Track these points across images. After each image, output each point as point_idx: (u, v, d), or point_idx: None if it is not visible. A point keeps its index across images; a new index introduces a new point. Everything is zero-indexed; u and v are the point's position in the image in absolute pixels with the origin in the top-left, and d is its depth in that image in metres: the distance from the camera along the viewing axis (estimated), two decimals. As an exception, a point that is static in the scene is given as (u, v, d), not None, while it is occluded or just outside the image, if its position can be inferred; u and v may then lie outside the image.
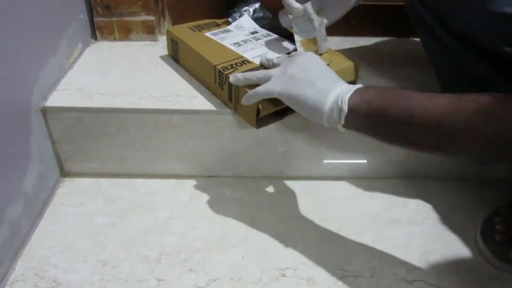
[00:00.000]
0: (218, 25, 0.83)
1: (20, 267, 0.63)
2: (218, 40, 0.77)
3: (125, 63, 0.84)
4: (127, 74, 0.80)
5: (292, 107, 0.58)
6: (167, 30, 0.82)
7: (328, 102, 0.53)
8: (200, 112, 0.71)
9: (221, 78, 0.69)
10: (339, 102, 0.52)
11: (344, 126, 0.53)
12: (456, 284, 0.62)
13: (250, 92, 0.61)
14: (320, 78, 0.55)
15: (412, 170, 0.80)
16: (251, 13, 0.83)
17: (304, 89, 0.55)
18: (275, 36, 0.79)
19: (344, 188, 0.79)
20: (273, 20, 0.82)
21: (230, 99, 0.69)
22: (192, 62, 0.78)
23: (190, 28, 0.82)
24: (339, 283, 0.62)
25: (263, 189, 0.78)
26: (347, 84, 0.55)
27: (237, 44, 0.75)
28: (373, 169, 0.80)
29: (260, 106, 0.63)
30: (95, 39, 0.93)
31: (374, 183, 0.80)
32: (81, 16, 0.88)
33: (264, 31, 0.81)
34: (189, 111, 0.71)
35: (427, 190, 0.79)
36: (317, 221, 0.72)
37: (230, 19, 0.83)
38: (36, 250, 0.65)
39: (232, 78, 0.64)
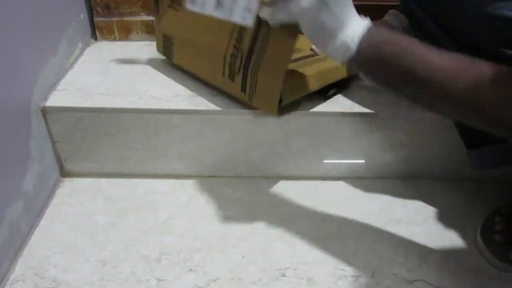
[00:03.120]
0: None
1: (20, 267, 0.63)
2: (202, 11, 0.65)
3: (125, 63, 0.84)
4: (127, 74, 0.80)
5: (304, 30, 0.55)
6: (158, 22, 0.78)
7: (340, 35, 0.51)
8: (200, 112, 0.71)
9: (233, 68, 0.67)
10: (349, 41, 0.51)
11: (348, 62, 0.52)
12: (456, 284, 0.62)
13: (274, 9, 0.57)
14: (338, 3, 0.53)
15: (412, 170, 0.80)
16: None
17: (319, 13, 0.52)
18: None
19: (344, 188, 0.79)
20: None
21: (243, 90, 0.68)
22: (190, 57, 0.75)
23: (171, 8, 0.74)
24: (339, 283, 0.62)
25: (263, 189, 0.78)
26: (359, 19, 0.53)
27: (218, 5, 0.64)
28: (373, 169, 0.80)
29: (282, 95, 0.64)
30: (95, 39, 0.93)
31: (374, 183, 0.80)
32: (81, 16, 0.88)
33: None
34: (189, 111, 0.71)
35: (427, 190, 0.79)
36: (317, 221, 0.72)
37: None
38: (36, 250, 0.65)
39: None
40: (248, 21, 0.63)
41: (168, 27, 0.76)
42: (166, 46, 0.78)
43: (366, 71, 0.54)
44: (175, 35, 0.75)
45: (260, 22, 0.63)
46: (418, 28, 0.62)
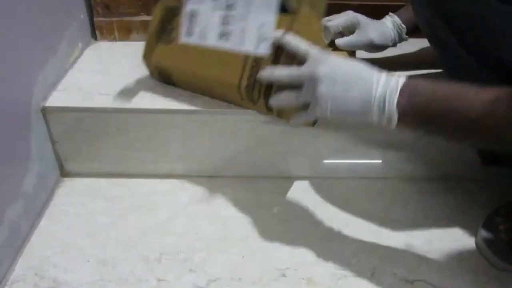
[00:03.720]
0: (177, 15, 0.69)
1: (20, 267, 0.63)
2: (202, 43, 0.66)
3: (125, 63, 0.84)
4: (127, 74, 0.80)
5: (341, 121, 0.58)
6: (146, 58, 0.72)
7: (374, 111, 0.51)
8: (200, 112, 0.71)
9: (249, 95, 0.65)
10: (387, 110, 0.50)
11: (398, 128, 0.52)
12: (456, 284, 0.62)
13: (296, 116, 0.61)
14: (352, 85, 0.52)
15: (412, 170, 0.80)
16: None
17: (342, 106, 0.53)
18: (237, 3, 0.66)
19: (344, 188, 0.79)
20: None
21: (270, 110, 0.66)
22: (196, 87, 0.72)
23: (161, 43, 0.71)
24: (339, 283, 0.62)
25: (263, 189, 0.78)
26: (385, 81, 0.51)
27: (224, 35, 0.65)
28: (373, 169, 0.80)
29: None
30: (95, 39, 0.93)
31: (374, 183, 0.80)
32: (81, 16, 0.88)
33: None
34: (189, 111, 0.71)
35: (427, 190, 0.79)
36: (317, 221, 0.72)
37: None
38: (36, 250, 0.65)
39: (275, 104, 0.62)
40: (263, 50, 0.63)
41: (161, 60, 0.71)
42: (164, 76, 0.74)
43: (416, 130, 0.54)
44: (172, 67, 0.71)
45: (277, 48, 0.61)
46: (439, 46, 0.61)
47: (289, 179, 0.80)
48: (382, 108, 0.51)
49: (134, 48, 0.90)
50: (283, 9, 0.64)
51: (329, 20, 0.74)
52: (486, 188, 0.79)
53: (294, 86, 0.57)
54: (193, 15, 0.67)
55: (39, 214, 0.71)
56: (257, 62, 0.63)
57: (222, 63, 0.66)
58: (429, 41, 0.64)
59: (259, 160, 0.78)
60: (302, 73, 0.56)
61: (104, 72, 0.81)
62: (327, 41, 0.72)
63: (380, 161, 0.79)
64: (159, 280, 0.62)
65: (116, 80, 0.78)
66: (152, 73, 0.77)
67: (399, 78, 0.51)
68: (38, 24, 0.70)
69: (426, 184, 0.80)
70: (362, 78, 0.52)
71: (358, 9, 0.77)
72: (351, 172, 0.80)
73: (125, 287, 0.61)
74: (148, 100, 0.73)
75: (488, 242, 0.66)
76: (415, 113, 0.50)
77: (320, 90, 0.53)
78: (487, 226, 0.68)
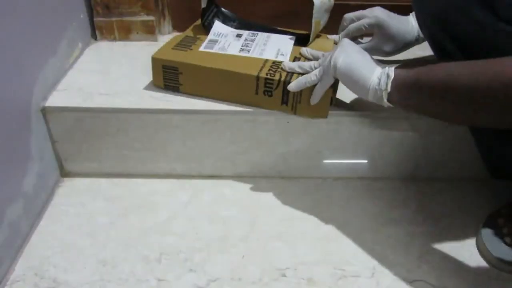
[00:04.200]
0: (197, 38, 0.77)
1: (20, 267, 0.63)
2: (222, 52, 0.73)
3: (125, 63, 0.84)
4: (127, 74, 0.80)
5: (344, 82, 0.62)
6: (155, 58, 0.72)
7: (376, 71, 0.59)
8: (200, 112, 0.71)
9: (268, 85, 0.67)
10: (386, 70, 0.57)
11: (389, 96, 0.57)
12: (456, 284, 0.62)
13: (315, 92, 0.65)
14: (364, 60, 0.61)
15: (412, 170, 0.80)
16: (219, 17, 0.81)
17: (353, 68, 0.60)
18: (263, 33, 0.79)
19: (344, 188, 0.79)
20: (240, 18, 0.82)
21: (284, 103, 0.69)
22: (208, 84, 0.71)
23: (175, 49, 0.73)
24: (339, 283, 0.62)
25: (263, 189, 0.78)
26: (387, 67, 0.59)
27: (244, 50, 0.73)
28: (373, 169, 0.80)
29: (332, 95, 0.69)
30: (95, 39, 0.93)
31: (374, 183, 0.80)
32: (81, 16, 0.88)
33: (245, 31, 0.80)
34: (189, 111, 0.71)
35: (427, 190, 0.79)
36: (317, 221, 0.72)
37: (205, 26, 0.79)
38: (36, 250, 0.65)
39: (294, 87, 0.66)
40: (282, 59, 0.72)
41: (171, 59, 0.71)
42: (170, 78, 0.73)
43: (409, 97, 0.56)
44: (183, 64, 0.71)
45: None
46: (439, 51, 0.61)
47: (289, 179, 0.80)
48: (381, 72, 0.59)
49: (134, 48, 0.90)
50: (298, 42, 0.77)
51: (352, 20, 0.77)
52: (486, 188, 0.79)
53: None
54: (212, 41, 0.77)
55: (39, 214, 0.71)
56: (277, 62, 0.71)
57: (241, 61, 0.71)
58: (435, 54, 0.64)
59: (259, 160, 0.78)
60: (322, 60, 0.65)
61: (104, 72, 0.81)
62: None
63: (380, 161, 0.79)
64: (159, 280, 0.62)
65: (116, 80, 0.78)
66: (156, 79, 0.74)
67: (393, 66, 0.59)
68: (38, 24, 0.70)
69: (426, 184, 0.80)
70: (367, 57, 0.62)
71: (358, 9, 0.77)
72: (351, 172, 0.80)
73: (125, 287, 0.61)
74: (148, 100, 0.73)
75: (489, 243, 0.66)
76: (406, 76, 0.56)
77: (335, 53, 0.62)
78: (488, 226, 0.68)
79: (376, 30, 0.75)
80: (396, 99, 0.57)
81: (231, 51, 0.73)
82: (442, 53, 0.60)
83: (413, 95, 0.56)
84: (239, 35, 0.78)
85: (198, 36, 0.78)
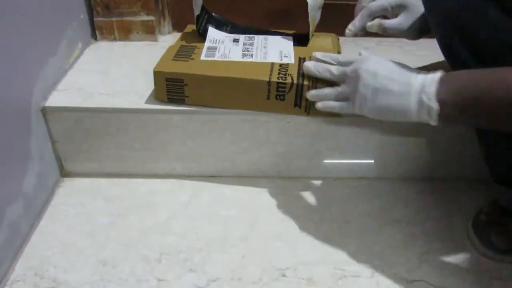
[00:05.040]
0: (194, 47, 0.74)
1: (20, 267, 0.63)
2: (225, 59, 0.71)
3: (125, 63, 0.84)
4: (127, 74, 0.80)
5: (378, 118, 0.57)
6: (158, 72, 0.68)
7: (413, 104, 0.52)
8: (200, 112, 0.71)
9: (280, 89, 0.66)
10: (426, 101, 0.50)
11: (438, 122, 0.51)
12: (456, 284, 0.62)
13: (329, 106, 0.62)
14: (392, 79, 0.54)
15: (412, 170, 0.80)
16: (212, 23, 0.79)
17: (381, 100, 0.54)
18: (259, 36, 0.78)
19: (344, 188, 0.79)
20: (232, 22, 0.81)
21: (298, 106, 0.68)
22: (216, 94, 0.69)
23: (175, 60, 0.70)
24: (339, 283, 0.62)
25: (263, 189, 0.78)
26: (424, 76, 0.52)
27: (246, 55, 0.72)
28: (373, 169, 0.80)
29: None
30: (95, 39, 0.93)
31: (374, 183, 0.80)
32: (81, 16, 0.88)
33: (241, 35, 0.78)
34: (189, 111, 0.71)
35: (427, 190, 0.79)
36: (317, 221, 0.72)
37: (200, 33, 0.78)
38: (36, 250, 0.65)
39: (314, 98, 0.64)
40: (288, 61, 0.70)
41: (175, 71, 0.68)
42: (174, 90, 0.70)
43: (461, 120, 0.53)
44: (188, 75, 0.68)
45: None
46: (449, 52, 0.60)
47: (289, 179, 0.80)
48: (421, 102, 0.51)
49: (134, 48, 0.90)
50: (297, 43, 0.76)
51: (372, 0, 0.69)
52: (485, 188, 0.79)
53: (333, 83, 0.62)
54: (210, 48, 0.74)
55: (39, 214, 0.71)
56: (284, 64, 0.69)
57: (247, 66, 0.69)
58: (445, 56, 0.62)
59: (259, 160, 0.78)
60: (346, 69, 0.59)
61: (104, 72, 0.81)
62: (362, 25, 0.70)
63: (380, 161, 0.79)
64: (159, 280, 0.62)
65: (116, 80, 0.78)
66: (159, 93, 0.71)
67: (436, 72, 0.52)
68: (38, 24, 0.70)
69: (426, 184, 0.80)
70: (402, 73, 0.54)
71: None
72: (351, 172, 0.80)
73: (125, 287, 0.61)
74: (148, 100, 0.73)
75: (475, 229, 0.68)
76: (454, 101, 0.49)
77: (362, 83, 0.55)
78: (476, 219, 0.70)
79: (401, 10, 0.67)
80: (447, 122, 0.53)
81: (233, 57, 0.71)
82: (452, 55, 0.58)
83: (467, 120, 0.53)
84: (236, 40, 0.76)
85: (193, 44, 0.75)
